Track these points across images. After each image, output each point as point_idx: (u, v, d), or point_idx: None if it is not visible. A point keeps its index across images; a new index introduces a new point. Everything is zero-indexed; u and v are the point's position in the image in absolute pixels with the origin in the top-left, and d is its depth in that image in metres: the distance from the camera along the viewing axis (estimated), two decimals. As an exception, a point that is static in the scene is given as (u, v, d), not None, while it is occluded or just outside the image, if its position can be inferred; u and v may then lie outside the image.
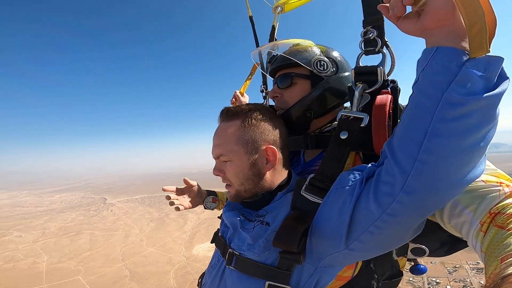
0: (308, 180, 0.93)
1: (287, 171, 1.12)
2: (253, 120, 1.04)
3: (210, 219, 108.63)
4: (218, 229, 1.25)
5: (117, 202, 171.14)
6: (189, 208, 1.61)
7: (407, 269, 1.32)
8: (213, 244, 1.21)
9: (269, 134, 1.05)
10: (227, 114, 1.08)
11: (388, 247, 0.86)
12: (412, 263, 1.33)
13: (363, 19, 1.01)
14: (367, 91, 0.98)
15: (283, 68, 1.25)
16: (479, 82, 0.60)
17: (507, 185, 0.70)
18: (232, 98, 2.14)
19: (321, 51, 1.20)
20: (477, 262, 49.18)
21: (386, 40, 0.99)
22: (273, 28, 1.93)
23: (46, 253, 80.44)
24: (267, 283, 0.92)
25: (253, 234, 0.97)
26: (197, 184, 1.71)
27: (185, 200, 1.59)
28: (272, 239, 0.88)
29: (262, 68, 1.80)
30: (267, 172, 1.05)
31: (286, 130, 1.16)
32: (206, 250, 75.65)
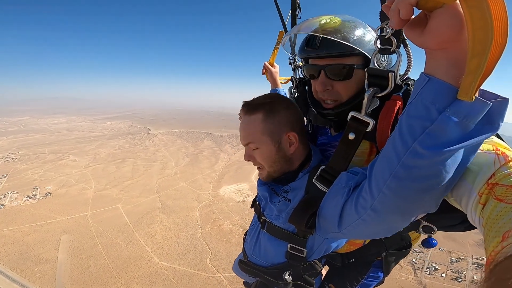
0: (319, 171, 1.10)
1: (307, 150, 1.30)
2: (273, 112, 1.18)
3: (240, 162, 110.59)
4: (256, 195, 1.56)
5: (158, 133, 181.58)
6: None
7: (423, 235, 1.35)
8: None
9: (288, 122, 1.21)
10: (249, 108, 1.22)
11: (377, 235, 1.04)
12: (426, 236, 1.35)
13: (380, 10, 0.84)
14: (378, 95, 0.97)
15: (335, 57, 1.11)
16: (453, 131, 0.58)
17: (502, 153, 0.67)
18: (263, 69, 2.16)
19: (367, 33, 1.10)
20: (482, 258, 45.53)
21: (405, 38, 0.87)
22: None
23: (94, 179, 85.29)
24: (289, 245, 1.24)
25: (279, 208, 1.25)
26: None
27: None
28: (291, 214, 1.14)
29: (291, 47, 1.70)
30: (291, 153, 1.23)
31: (301, 113, 1.31)
32: (231, 192, 77.84)
